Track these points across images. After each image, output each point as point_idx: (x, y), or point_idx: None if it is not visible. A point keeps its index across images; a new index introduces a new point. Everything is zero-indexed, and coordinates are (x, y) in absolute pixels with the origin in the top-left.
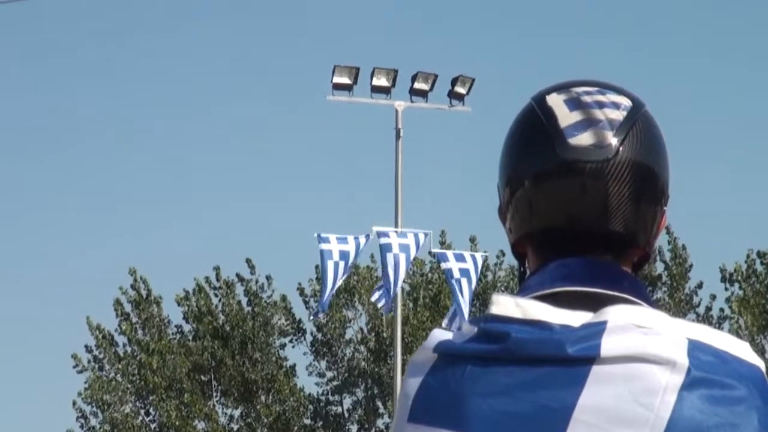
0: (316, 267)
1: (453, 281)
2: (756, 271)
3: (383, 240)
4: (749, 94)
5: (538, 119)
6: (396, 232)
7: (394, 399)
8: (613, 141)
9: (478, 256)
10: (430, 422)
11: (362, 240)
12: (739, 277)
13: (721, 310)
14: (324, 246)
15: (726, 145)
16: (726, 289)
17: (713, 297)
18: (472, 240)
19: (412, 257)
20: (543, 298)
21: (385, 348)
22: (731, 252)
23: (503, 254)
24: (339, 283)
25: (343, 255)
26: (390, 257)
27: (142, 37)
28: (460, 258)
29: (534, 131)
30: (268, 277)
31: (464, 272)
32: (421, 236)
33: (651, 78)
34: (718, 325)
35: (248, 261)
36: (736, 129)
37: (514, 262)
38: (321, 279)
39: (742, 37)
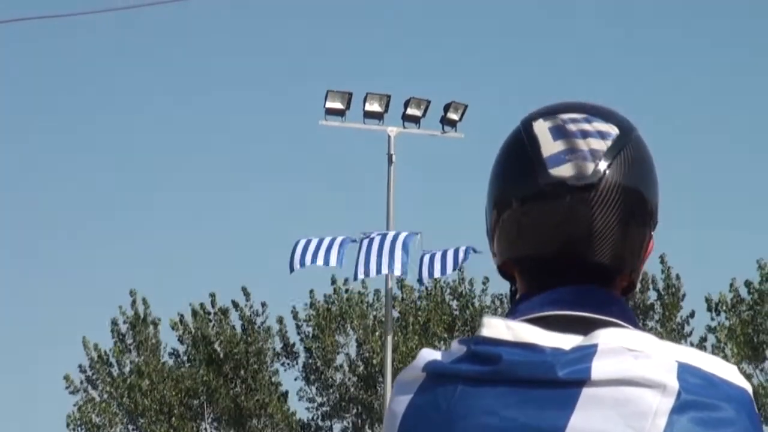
0: (311, 291)
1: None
2: (743, 300)
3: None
4: (743, 122)
5: (523, 146)
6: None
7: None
8: (598, 167)
9: (461, 250)
10: None
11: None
12: (724, 308)
13: (703, 339)
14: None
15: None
16: (712, 318)
17: (709, 328)
18: (460, 269)
19: (400, 241)
20: (533, 321)
21: (374, 374)
22: (718, 282)
23: (488, 280)
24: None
25: (319, 243)
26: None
27: (139, 66)
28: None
29: (519, 158)
30: (263, 304)
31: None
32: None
33: (644, 105)
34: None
35: (244, 289)
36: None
37: (499, 289)
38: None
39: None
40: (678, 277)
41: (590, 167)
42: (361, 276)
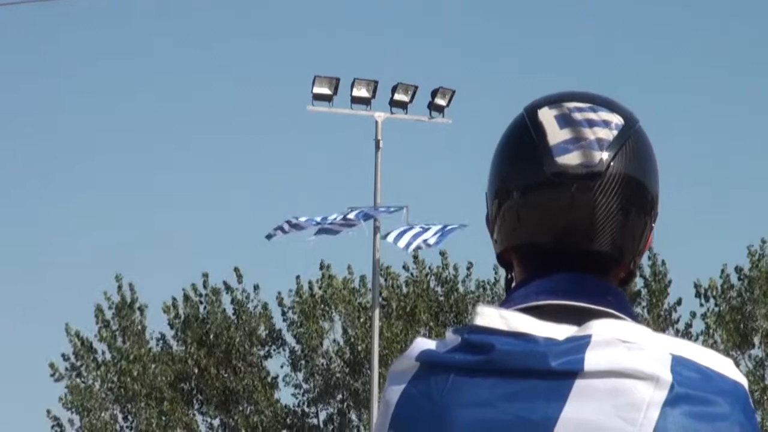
0: (297, 277)
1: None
2: (733, 286)
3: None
4: (729, 113)
5: (528, 134)
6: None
7: (369, 411)
8: (601, 158)
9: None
10: (411, 431)
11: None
12: (714, 293)
13: (689, 325)
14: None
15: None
16: (701, 305)
17: (693, 314)
18: (443, 254)
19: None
20: (527, 311)
21: (360, 360)
22: (708, 267)
23: (472, 266)
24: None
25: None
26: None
27: (139, 45)
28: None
29: (523, 146)
30: (255, 287)
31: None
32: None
33: (634, 91)
34: (693, 341)
35: (236, 270)
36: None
37: (484, 275)
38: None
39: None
40: (663, 263)
41: (597, 156)
42: (348, 232)
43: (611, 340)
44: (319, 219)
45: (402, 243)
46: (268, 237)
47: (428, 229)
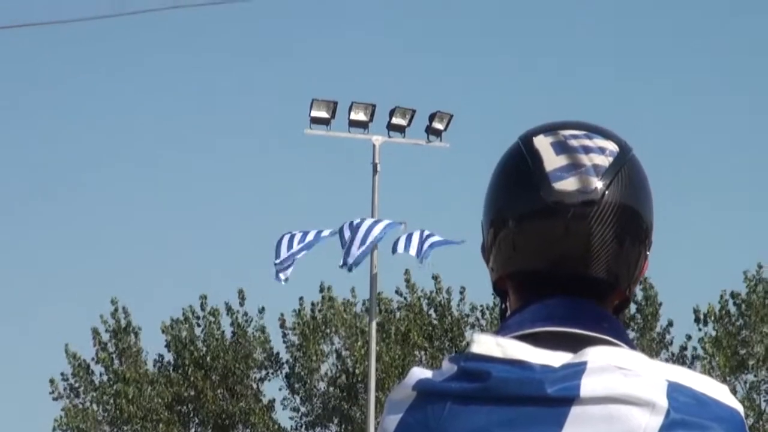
0: (300, 299)
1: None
2: (729, 312)
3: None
4: (724, 135)
5: (524, 161)
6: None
7: None
8: (598, 186)
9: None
10: None
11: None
12: (712, 318)
13: (694, 348)
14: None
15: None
16: (699, 329)
17: (689, 337)
18: (435, 278)
19: (380, 228)
20: (523, 338)
21: (355, 385)
22: (702, 292)
23: (464, 290)
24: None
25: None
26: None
27: (134, 70)
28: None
29: (520, 173)
30: (261, 309)
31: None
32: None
33: (628, 119)
34: (691, 366)
35: (240, 292)
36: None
37: (478, 300)
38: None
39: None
40: (652, 287)
41: (593, 182)
42: (349, 261)
43: (607, 366)
44: (312, 237)
45: (412, 251)
46: (279, 278)
47: (431, 235)
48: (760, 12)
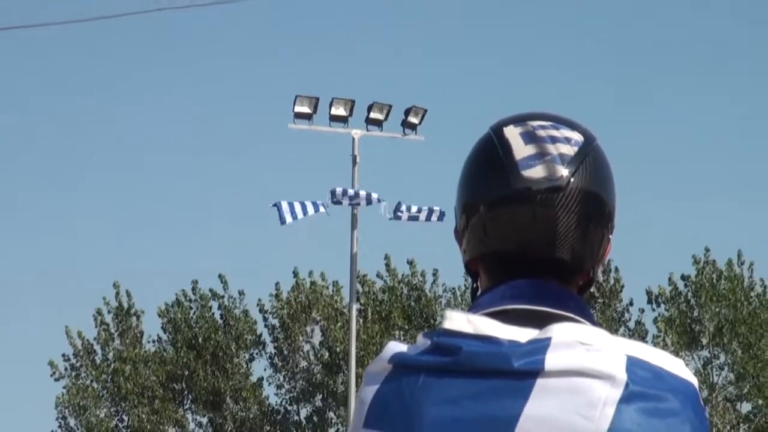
0: (276, 284)
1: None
2: (680, 293)
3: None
4: (681, 120)
5: (495, 150)
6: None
7: (347, 409)
8: (564, 173)
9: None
10: (384, 428)
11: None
12: (663, 299)
13: (642, 324)
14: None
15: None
16: (653, 310)
17: (642, 311)
18: (410, 262)
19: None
20: (493, 315)
21: (338, 362)
22: (659, 274)
23: (437, 272)
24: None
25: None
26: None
27: (133, 67)
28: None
29: (490, 162)
30: (240, 292)
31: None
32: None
33: (591, 107)
34: (644, 340)
35: (221, 276)
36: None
37: (451, 281)
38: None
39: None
40: (617, 270)
41: (559, 170)
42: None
43: (570, 342)
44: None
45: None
46: (279, 218)
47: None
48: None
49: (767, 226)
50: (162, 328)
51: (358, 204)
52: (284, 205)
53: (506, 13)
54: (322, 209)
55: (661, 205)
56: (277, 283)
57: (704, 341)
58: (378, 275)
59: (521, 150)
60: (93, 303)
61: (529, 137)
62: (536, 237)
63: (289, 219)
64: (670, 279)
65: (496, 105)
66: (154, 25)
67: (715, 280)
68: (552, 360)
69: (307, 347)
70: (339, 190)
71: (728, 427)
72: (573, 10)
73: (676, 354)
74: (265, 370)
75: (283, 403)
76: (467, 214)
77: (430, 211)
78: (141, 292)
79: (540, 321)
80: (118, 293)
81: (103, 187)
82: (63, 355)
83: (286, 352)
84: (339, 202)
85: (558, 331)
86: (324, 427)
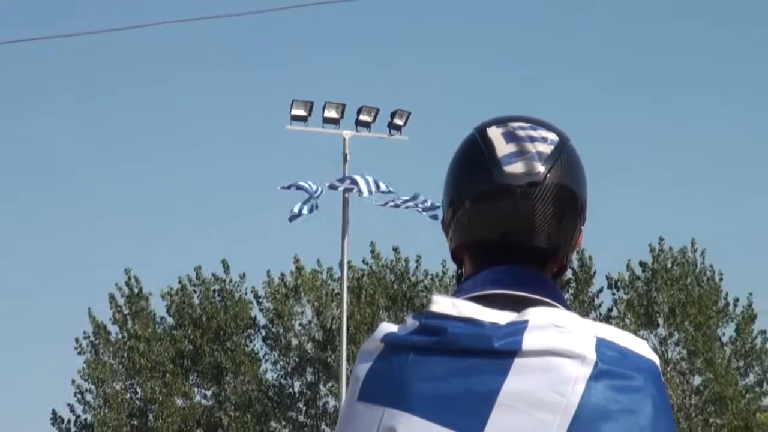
0: (268, 272)
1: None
2: (639, 278)
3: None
4: (647, 113)
5: (479, 148)
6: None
7: (339, 383)
8: (541, 169)
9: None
10: (376, 401)
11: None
12: (622, 284)
13: (609, 310)
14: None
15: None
16: (613, 294)
17: (601, 289)
18: (395, 249)
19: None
20: (475, 299)
21: (330, 338)
22: (619, 261)
23: (420, 258)
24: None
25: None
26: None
27: (134, 66)
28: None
29: (475, 159)
30: (241, 276)
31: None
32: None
33: (563, 106)
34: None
35: (224, 262)
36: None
37: (433, 267)
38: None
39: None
40: (591, 258)
41: (538, 166)
42: (340, 188)
43: (545, 324)
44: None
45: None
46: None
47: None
48: None
49: (720, 216)
50: (167, 310)
51: (353, 188)
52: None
53: (485, 21)
54: (320, 190)
55: (622, 197)
56: (268, 271)
57: (660, 321)
58: (364, 261)
59: (503, 148)
60: (108, 287)
61: (510, 137)
62: (516, 227)
63: (295, 209)
64: (628, 266)
65: (475, 108)
66: (164, 36)
67: (668, 266)
68: (529, 341)
69: (298, 327)
70: (336, 182)
71: (681, 398)
72: (551, 13)
73: (635, 333)
74: (261, 348)
75: (278, 377)
76: (454, 206)
77: (423, 201)
78: (150, 277)
79: (518, 305)
80: (129, 279)
81: (117, 184)
82: (84, 333)
83: (280, 332)
84: (335, 187)
85: (534, 315)
86: (316, 398)
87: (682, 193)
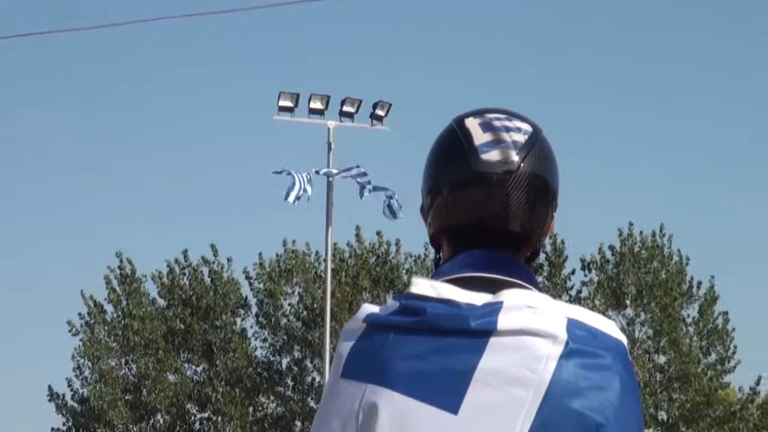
0: (260, 254)
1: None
2: (608, 261)
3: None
4: (626, 105)
5: (457, 138)
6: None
7: (323, 359)
8: (516, 158)
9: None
10: (359, 378)
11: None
12: (594, 266)
13: (579, 291)
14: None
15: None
16: (585, 275)
17: (573, 271)
18: (379, 234)
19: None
20: (453, 282)
21: (314, 317)
22: (591, 245)
23: (400, 242)
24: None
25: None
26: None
27: (131, 58)
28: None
29: (454, 147)
30: (229, 259)
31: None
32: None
33: (539, 98)
34: (578, 304)
35: (212, 246)
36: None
37: (413, 249)
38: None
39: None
40: (563, 242)
41: (512, 155)
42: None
43: (519, 305)
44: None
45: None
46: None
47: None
48: None
49: (688, 203)
50: (158, 291)
51: (342, 173)
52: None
53: (465, 17)
54: (309, 176)
55: (594, 184)
56: (260, 254)
57: (628, 302)
58: (348, 244)
59: (480, 137)
60: (101, 269)
61: (487, 127)
62: (492, 212)
63: (292, 197)
64: (600, 249)
65: (453, 101)
66: (161, 32)
67: (636, 251)
68: (503, 321)
69: (287, 307)
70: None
71: (647, 376)
72: (528, 8)
73: (604, 314)
74: (251, 326)
75: (267, 354)
76: (433, 193)
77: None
78: (142, 261)
79: (493, 287)
80: (121, 261)
81: (117, 174)
82: (79, 314)
83: (270, 311)
84: (319, 172)
85: (509, 296)
86: (303, 375)
87: (654, 181)
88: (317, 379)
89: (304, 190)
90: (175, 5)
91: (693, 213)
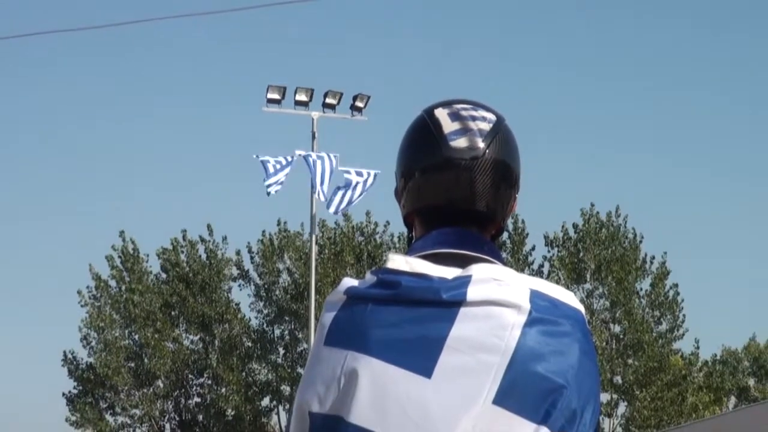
0: (263, 232)
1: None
2: (570, 238)
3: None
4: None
5: (428, 126)
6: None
7: (308, 329)
8: (482, 145)
9: (372, 172)
10: (340, 345)
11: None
12: (557, 243)
13: (540, 266)
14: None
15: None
16: (549, 251)
17: (533, 247)
18: (368, 213)
19: (328, 169)
20: (426, 257)
21: (301, 291)
22: (555, 222)
23: (388, 223)
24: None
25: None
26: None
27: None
28: (359, 173)
29: (424, 135)
30: (224, 238)
31: (360, 175)
32: (333, 158)
33: (506, 87)
34: (542, 278)
35: (208, 226)
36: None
37: (397, 230)
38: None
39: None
40: (523, 222)
41: (478, 142)
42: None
43: (486, 278)
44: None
45: (332, 209)
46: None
47: (354, 185)
48: None
49: (641, 185)
50: (161, 267)
51: (321, 158)
52: (270, 163)
53: (438, 12)
54: (289, 159)
55: (558, 164)
56: (263, 231)
57: (587, 277)
58: (336, 223)
59: (449, 126)
60: (105, 246)
61: (455, 116)
62: (460, 194)
63: (272, 181)
64: (562, 227)
65: (424, 94)
66: (158, 30)
67: (596, 230)
68: (472, 292)
69: (281, 280)
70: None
71: (603, 344)
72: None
73: (566, 287)
74: (249, 296)
75: (261, 324)
76: (406, 176)
77: (367, 176)
78: (143, 239)
79: (462, 262)
80: (123, 240)
81: (113, 157)
82: (87, 287)
83: (266, 285)
84: (303, 156)
85: (477, 270)
86: (294, 343)
87: (612, 164)
88: (306, 348)
89: (281, 182)
90: (175, 5)
91: (647, 194)
